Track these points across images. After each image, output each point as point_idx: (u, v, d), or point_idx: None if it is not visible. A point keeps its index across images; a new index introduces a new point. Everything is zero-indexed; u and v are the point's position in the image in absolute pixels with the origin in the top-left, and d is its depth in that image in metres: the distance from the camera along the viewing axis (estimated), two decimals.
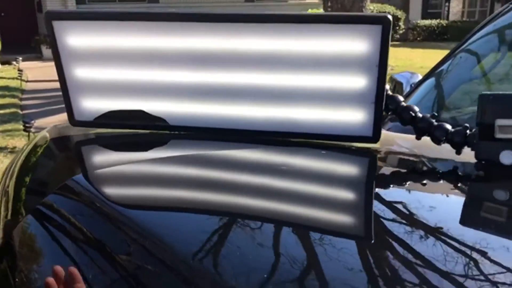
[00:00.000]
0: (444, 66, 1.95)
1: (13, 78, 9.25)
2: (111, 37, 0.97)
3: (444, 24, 20.40)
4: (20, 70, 9.60)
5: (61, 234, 0.74)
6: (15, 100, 7.52)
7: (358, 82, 0.92)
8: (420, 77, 2.08)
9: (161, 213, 0.73)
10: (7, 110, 6.73)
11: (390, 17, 0.87)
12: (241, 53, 0.93)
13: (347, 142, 0.98)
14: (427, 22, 20.27)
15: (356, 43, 0.89)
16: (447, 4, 22.39)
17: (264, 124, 0.97)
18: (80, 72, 1.02)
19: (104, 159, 1.01)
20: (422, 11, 21.30)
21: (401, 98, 0.98)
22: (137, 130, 1.06)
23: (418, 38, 19.76)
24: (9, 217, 0.87)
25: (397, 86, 2.06)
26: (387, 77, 0.91)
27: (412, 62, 11.18)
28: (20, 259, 0.76)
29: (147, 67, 0.99)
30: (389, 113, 0.98)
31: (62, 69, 1.01)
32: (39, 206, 0.82)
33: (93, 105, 1.05)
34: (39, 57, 13.21)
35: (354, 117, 0.95)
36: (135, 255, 0.64)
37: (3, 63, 10.89)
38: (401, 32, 18.78)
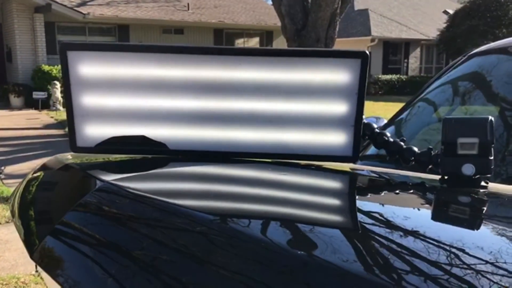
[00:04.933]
0: (406, 112, 2.14)
1: None
2: (118, 67, 1.07)
3: (404, 79, 21.50)
4: None
5: (86, 248, 0.77)
6: None
7: (340, 107, 1.05)
8: (385, 121, 2.28)
9: (185, 222, 0.75)
10: None
11: (367, 52, 1.02)
12: (237, 82, 1.06)
13: (329, 161, 1.10)
14: (387, 77, 21.31)
15: (338, 74, 1.03)
16: (406, 60, 23.69)
17: (256, 147, 1.08)
18: (87, 100, 1.10)
19: (112, 177, 1.06)
20: (383, 66, 22.43)
21: (374, 125, 1.12)
22: (137, 155, 1.14)
23: (380, 92, 20.67)
24: (29, 244, 0.88)
25: None
26: None
27: (375, 114, 11.67)
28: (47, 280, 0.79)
29: (150, 95, 1.09)
30: (365, 138, 1.11)
31: (70, 97, 1.09)
32: (57, 225, 0.84)
33: (95, 131, 1.12)
34: (7, 106, 13.07)
35: (336, 139, 1.07)
36: (164, 266, 0.66)
37: None
38: None
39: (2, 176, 5.11)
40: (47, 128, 9.90)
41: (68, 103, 1.10)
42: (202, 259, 0.65)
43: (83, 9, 14.95)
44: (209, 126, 1.09)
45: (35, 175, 1.17)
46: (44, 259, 0.84)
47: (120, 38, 16.21)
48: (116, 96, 1.09)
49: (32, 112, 12.39)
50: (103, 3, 15.96)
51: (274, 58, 1.05)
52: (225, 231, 0.70)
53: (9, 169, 5.72)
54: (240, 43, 19.02)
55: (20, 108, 12.96)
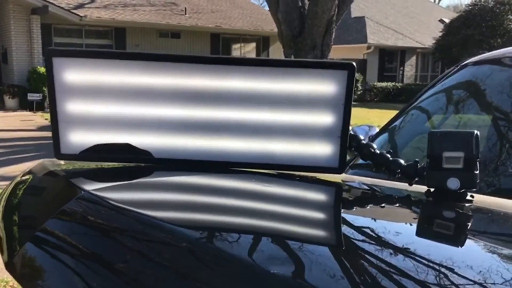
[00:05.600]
0: (399, 121, 2.14)
1: None
2: (104, 74, 1.06)
3: (399, 87, 21.61)
4: None
5: (65, 257, 0.77)
6: None
7: (327, 118, 1.05)
8: (377, 130, 2.28)
9: (159, 227, 0.75)
10: None
11: (354, 63, 1.02)
12: (224, 91, 1.05)
13: (315, 172, 1.09)
14: (383, 84, 21.41)
15: (325, 85, 1.03)
16: (401, 68, 23.80)
17: (243, 156, 1.07)
18: (71, 107, 1.09)
19: (94, 186, 1.05)
20: (378, 74, 22.52)
21: (361, 137, 1.12)
22: (122, 163, 1.13)
23: (375, 99, 20.76)
24: (6, 250, 0.88)
25: None
26: None
27: (370, 121, 11.71)
28: (27, 284, 0.78)
29: (136, 103, 1.08)
30: (352, 149, 1.11)
31: (55, 103, 1.08)
32: (38, 233, 0.84)
33: (79, 138, 1.11)
34: (1, 107, 13.02)
35: (323, 150, 1.06)
36: (140, 273, 0.67)
37: None
38: (359, 93, 19.69)
39: None
40: (41, 130, 9.86)
41: (52, 109, 1.08)
42: (183, 273, 0.65)
43: (80, 12, 14.94)
44: (195, 135, 1.08)
45: (19, 180, 1.16)
46: (23, 267, 0.83)
47: (116, 41, 16.19)
48: (102, 103, 1.08)
49: (26, 114, 12.34)
50: (100, 6, 15.95)
51: (261, 68, 1.04)
52: (205, 247, 0.69)
53: (1, 171, 5.69)
54: (236, 48, 19.05)
55: (14, 110, 12.91)
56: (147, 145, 1.09)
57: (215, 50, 18.07)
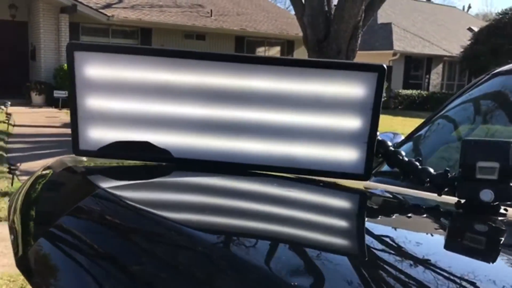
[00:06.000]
0: (425, 129, 2.08)
1: (0, 122, 9.26)
2: (125, 70, 1.04)
3: (424, 95, 21.27)
4: (8, 114, 9.63)
5: (76, 254, 0.76)
6: (1, 143, 7.49)
7: (354, 123, 1.00)
8: (402, 137, 2.22)
9: (174, 229, 0.74)
10: None
11: (385, 66, 0.97)
12: (248, 91, 1.01)
13: (340, 178, 1.05)
14: (408, 92, 21.12)
15: (353, 88, 0.99)
16: (427, 76, 23.44)
17: (264, 159, 1.04)
18: (91, 102, 1.07)
19: (111, 184, 1.03)
20: (404, 81, 22.21)
21: (389, 143, 1.07)
22: (141, 161, 1.11)
23: (399, 107, 20.47)
24: (20, 245, 0.87)
25: None
26: None
27: (392, 129, 11.55)
28: (37, 281, 0.77)
29: (156, 101, 1.05)
30: (379, 156, 1.06)
31: (75, 98, 1.06)
32: (52, 229, 0.83)
33: (99, 135, 1.09)
34: (28, 103, 13.29)
35: (348, 155, 1.02)
36: (151, 272, 0.66)
37: None
38: (383, 100, 19.44)
39: (18, 173, 5.16)
40: (65, 127, 10.00)
41: (72, 104, 1.07)
42: (198, 278, 0.63)
43: (108, 11, 15.15)
44: (216, 135, 1.05)
45: (38, 175, 1.15)
46: (34, 262, 0.81)
47: (142, 42, 16.37)
48: (122, 99, 1.06)
49: (52, 111, 12.56)
50: (127, 6, 16.15)
51: (287, 68, 1.00)
52: (222, 252, 0.67)
53: (25, 165, 5.78)
54: (261, 51, 19.05)
55: (40, 106, 13.16)
56: (167, 144, 1.07)
57: (240, 52, 18.07)
